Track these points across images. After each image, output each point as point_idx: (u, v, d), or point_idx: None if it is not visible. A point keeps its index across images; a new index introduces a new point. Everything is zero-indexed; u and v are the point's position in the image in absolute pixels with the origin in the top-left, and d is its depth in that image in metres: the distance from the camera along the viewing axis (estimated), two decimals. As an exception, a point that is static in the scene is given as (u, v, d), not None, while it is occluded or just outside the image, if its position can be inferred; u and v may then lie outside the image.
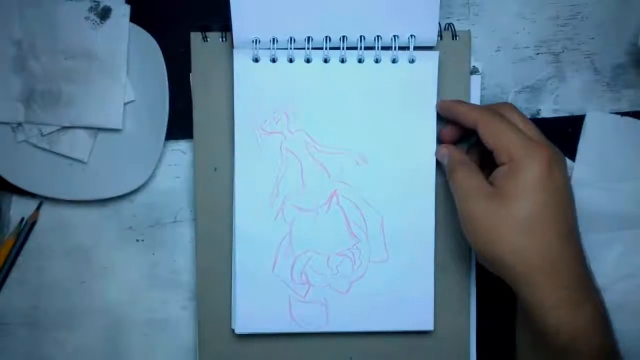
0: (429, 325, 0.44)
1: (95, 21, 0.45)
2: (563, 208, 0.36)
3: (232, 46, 0.43)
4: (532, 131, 0.38)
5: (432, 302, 0.44)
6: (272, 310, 0.43)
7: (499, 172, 0.37)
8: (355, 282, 0.43)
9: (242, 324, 0.43)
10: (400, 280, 0.43)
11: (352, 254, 0.43)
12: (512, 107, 0.40)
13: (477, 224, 0.36)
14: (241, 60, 0.43)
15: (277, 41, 0.43)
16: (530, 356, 0.38)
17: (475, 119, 0.39)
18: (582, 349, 0.34)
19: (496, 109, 0.39)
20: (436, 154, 0.43)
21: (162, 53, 0.45)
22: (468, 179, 0.38)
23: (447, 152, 0.41)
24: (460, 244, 0.45)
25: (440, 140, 0.43)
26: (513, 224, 0.35)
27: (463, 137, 0.43)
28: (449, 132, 0.43)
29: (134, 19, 0.45)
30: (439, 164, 0.43)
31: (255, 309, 0.43)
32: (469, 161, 0.40)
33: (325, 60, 0.43)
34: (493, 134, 0.37)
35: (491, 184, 0.37)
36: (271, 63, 0.43)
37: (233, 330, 0.44)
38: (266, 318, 0.43)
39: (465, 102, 0.42)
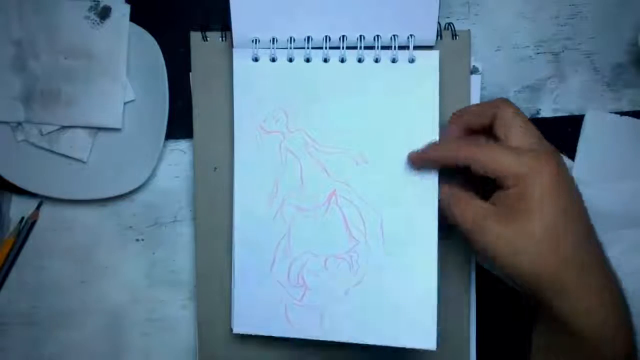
0: (430, 343, 0.41)
1: (95, 21, 0.45)
2: (577, 208, 0.36)
3: (231, 46, 0.43)
4: (528, 133, 0.37)
5: (435, 317, 0.41)
6: (268, 312, 0.43)
7: (506, 195, 0.35)
8: (352, 288, 0.43)
9: (240, 323, 0.43)
10: (400, 288, 0.42)
11: (349, 257, 0.43)
12: (506, 102, 0.38)
13: (497, 251, 0.35)
14: (241, 60, 0.43)
15: (276, 41, 0.43)
16: None
17: (466, 155, 0.37)
18: (614, 350, 0.34)
19: (490, 108, 0.39)
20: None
21: (162, 52, 0.45)
22: (471, 209, 0.37)
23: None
24: (460, 245, 0.44)
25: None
26: (536, 241, 0.34)
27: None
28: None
29: (134, 18, 0.45)
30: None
31: (252, 309, 0.43)
32: (461, 190, 0.39)
33: (325, 60, 0.43)
34: (491, 162, 0.36)
35: (493, 204, 0.36)
36: (271, 62, 0.43)
37: (232, 330, 0.44)
38: (263, 319, 0.43)
39: (443, 143, 0.40)
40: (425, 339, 0.42)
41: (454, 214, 0.38)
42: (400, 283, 0.42)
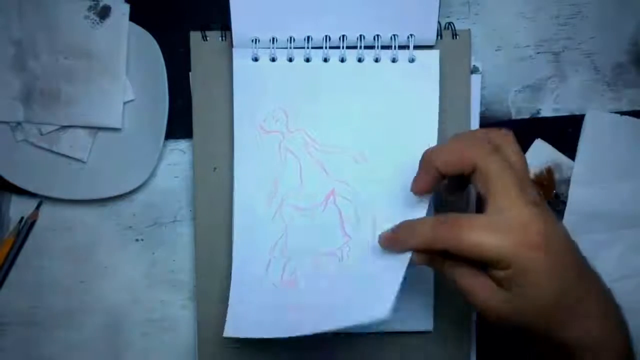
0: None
1: (95, 20, 0.45)
2: (574, 258, 0.34)
3: (231, 45, 0.43)
4: (512, 192, 0.33)
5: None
6: (260, 316, 0.42)
7: (501, 276, 0.33)
8: (340, 279, 0.42)
9: (231, 328, 0.41)
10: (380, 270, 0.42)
11: (340, 252, 0.42)
12: (487, 152, 0.34)
13: (501, 317, 0.34)
14: (241, 60, 0.43)
15: (276, 40, 0.43)
16: None
17: (445, 242, 0.34)
18: None
19: (468, 156, 0.35)
20: (416, 261, 0.37)
21: (162, 52, 0.45)
22: (478, 286, 0.35)
23: (425, 261, 0.36)
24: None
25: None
26: (546, 310, 0.33)
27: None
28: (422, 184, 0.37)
29: (134, 18, 0.45)
30: None
31: (246, 313, 0.42)
32: (463, 265, 0.35)
33: (325, 60, 0.43)
34: (475, 249, 0.33)
35: (494, 280, 0.34)
36: (271, 62, 0.43)
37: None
38: (254, 322, 0.41)
39: (416, 226, 0.36)
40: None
41: (462, 288, 0.35)
42: (382, 268, 0.40)
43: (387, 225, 0.39)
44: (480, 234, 0.33)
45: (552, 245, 0.33)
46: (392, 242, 0.37)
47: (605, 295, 0.35)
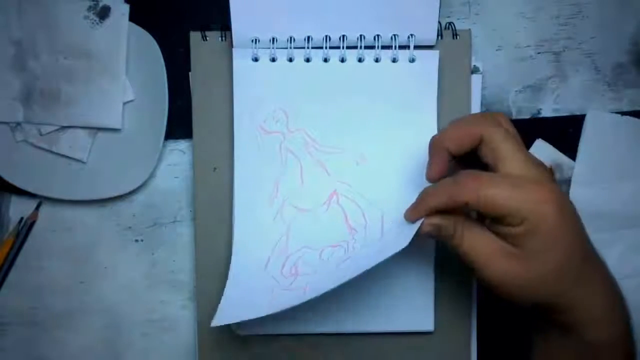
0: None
1: (95, 20, 0.45)
2: (583, 234, 0.35)
3: (231, 45, 0.43)
4: (521, 161, 0.35)
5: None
6: (255, 298, 0.41)
7: (512, 234, 0.34)
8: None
9: (219, 316, 0.39)
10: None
11: (346, 244, 0.42)
12: (491, 121, 0.36)
13: (508, 284, 0.35)
14: (241, 60, 0.43)
15: (276, 40, 0.43)
16: None
17: (461, 197, 0.34)
18: (616, 356, 0.35)
19: (473, 129, 0.36)
20: (426, 226, 0.37)
21: (162, 52, 0.45)
22: (482, 246, 0.35)
23: (444, 222, 0.36)
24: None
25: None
26: (550, 278, 0.34)
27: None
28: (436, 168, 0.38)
29: (133, 18, 0.45)
30: None
31: (238, 301, 0.40)
32: (471, 220, 0.36)
33: (325, 60, 0.43)
34: (490, 204, 0.34)
35: (501, 237, 0.35)
36: (271, 62, 0.43)
37: (233, 330, 0.44)
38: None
39: (431, 190, 0.37)
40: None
41: (463, 246, 0.36)
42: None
43: (394, 224, 0.41)
44: (497, 188, 0.34)
45: (564, 205, 0.34)
46: (416, 207, 0.37)
47: (611, 281, 0.36)
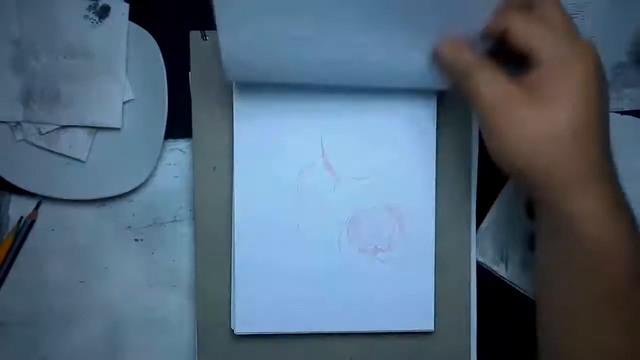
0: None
1: (94, 20, 0.45)
2: (605, 114, 0.33)
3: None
4: (573, 30, 0.33)
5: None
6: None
7: (535, 76, 0.32)
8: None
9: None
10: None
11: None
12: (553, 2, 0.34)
13: (510, 135, 0.32)
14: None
15: None
16: (557, 272, 0.34)
17: (505, 21, 0.33)
18: (618, 260, 0.32)
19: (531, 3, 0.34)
20: (438, 55, 0.35)
21: (161, 52, 0.45)
22: (492, 84, 0.33)
23: (454, 54, 0.34)
24: (461, 243, 0.44)
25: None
26: (560, 131, 0.31)
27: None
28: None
29: (133, 17, 0.45)
30: (439, 162, 0.43)
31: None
32: (486, 61, 0.34)
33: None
34: (528, 34, 0.32)
35: (519, 84, 0.33)
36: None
37: (232, 330, 0.44)
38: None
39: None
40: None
41: (471, 87, 0.33)
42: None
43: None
44: (541, 26, 0.32)
45: (599, 67, 0.32)
46: (454, 40, 0.34)
47: (622, 192, 0.33)
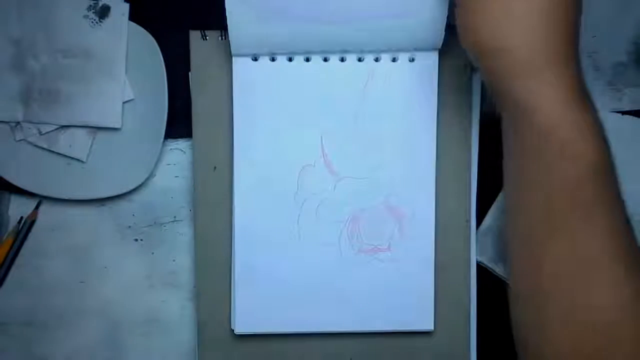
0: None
1: (94, 20, 0.45)
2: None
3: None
4: None
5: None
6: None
7: None
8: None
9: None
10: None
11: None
12: None
13: (484, 8, 0.32)
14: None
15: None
16: (515, 166, 0.34)
17: None
18: (578, 152, 0.31)
19: None
20: None
21: (161, 52, 0.45)
22: None
23: None
24: (461, 243, 0.44)
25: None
26: (533, 7, 0.31)
27: None
28: None
29: (133, 17, 0.45)
30: (440, 162, 0.43)
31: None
32: None
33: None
34: None
35: None
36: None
37: (233, 330, 0.44)
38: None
39: None
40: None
41: None
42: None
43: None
44: None
45: None
46: None
47: (583, 81, 0.32)
